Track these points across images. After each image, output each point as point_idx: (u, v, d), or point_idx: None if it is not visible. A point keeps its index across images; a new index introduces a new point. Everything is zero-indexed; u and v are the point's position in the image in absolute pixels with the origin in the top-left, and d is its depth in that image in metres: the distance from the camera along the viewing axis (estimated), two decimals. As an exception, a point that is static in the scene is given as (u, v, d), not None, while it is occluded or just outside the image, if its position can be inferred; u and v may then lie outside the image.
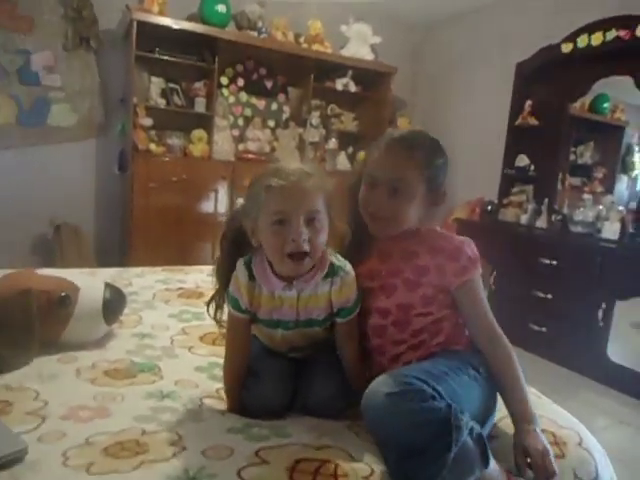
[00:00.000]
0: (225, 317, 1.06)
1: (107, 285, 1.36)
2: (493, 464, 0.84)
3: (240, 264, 0.98)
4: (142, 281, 1.90)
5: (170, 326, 1.48)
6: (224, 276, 1.02)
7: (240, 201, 1.04)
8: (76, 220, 3.29)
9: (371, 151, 1.06)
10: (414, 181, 0.99)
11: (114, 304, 1.33)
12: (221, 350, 1.29)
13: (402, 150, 1.00)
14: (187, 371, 1.19)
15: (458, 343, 1.03)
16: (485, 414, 0.95)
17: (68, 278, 1.32)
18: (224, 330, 1.07)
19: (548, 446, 0.89)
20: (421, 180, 1.00)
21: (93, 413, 0.95)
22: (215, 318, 1.07)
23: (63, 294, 1.23)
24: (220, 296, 1.05)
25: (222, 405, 1.04)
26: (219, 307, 1.06)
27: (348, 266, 1.01)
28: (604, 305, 2.62)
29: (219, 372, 1.18)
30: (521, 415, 0.94)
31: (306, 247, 0.91)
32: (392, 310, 1.02)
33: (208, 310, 1.08)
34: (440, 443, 0.76)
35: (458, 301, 1.03)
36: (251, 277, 0.97)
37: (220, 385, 1.12)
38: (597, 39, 2.86)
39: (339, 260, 1.01)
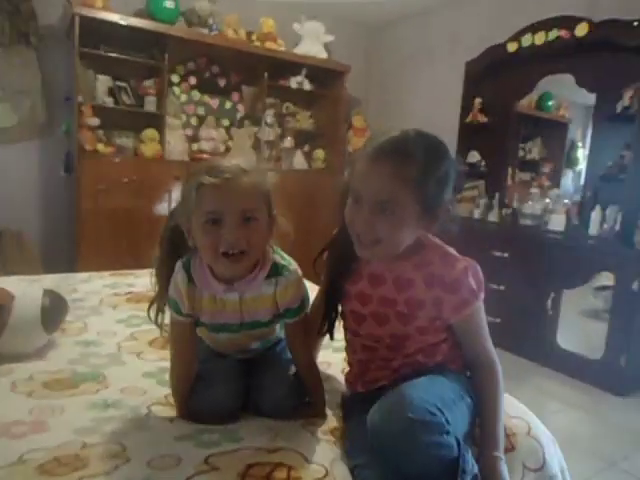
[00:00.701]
0: (167, 321, 1.01)
1: (46, 291, 1.28)
2: None
3: (178, 267, 0.94)
4: (88, 286, 1.82)
5: (117, 332, 1.42)
6: (164, 278, 0.98)
7: (175, 201, 1.00)
8: (20, 226, 3.12)
9: (356, 160, 0.91)
10: (405, 201, 0.84)
11: (54, 311, 1.26)
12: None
13: (390, 163, 0.83)
14: (134, 378, 1.14)
15: (454, 362, 0.98)
16: (472, 430, 0.93)
17: (3, 286, 1.24)
18: (166, 334, 1.03)
19: (506, 477, 0.87)
20: (413, 199, 0.84)
21: (28, 428, 0.89)
22: (156, 322, 1.03)
23: (-4, 303, 1.15)
24: (161, 298, 1.00)
25: (171, 412, 1.00)
26: (160, 310, 1.01)
27: (293, 265, 0.98)
28: (553, 294, 2.72)
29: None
30: (490, 441, 0.90)
31: (242, 246, 0.87)
32: (385, 338, 0.96)
33: (149, 314, 1.03)
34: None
35: (456, 329, 0.96)
36: (190, 280, 0.93)
37: (169, 391, 1.07)
38: (540, 39, 2.96)
39: (284, 259, 0.98)
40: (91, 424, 0.92)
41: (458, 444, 0.78)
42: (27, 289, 1.30)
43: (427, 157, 0.85)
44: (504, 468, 0.87)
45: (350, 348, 1.06)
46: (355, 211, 0.88)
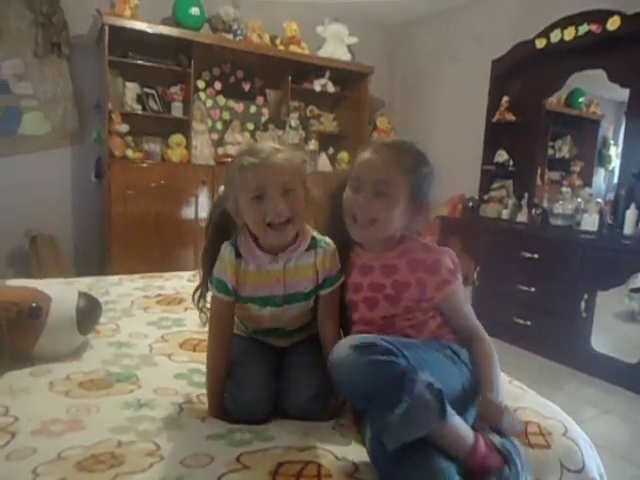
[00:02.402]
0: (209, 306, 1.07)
1: (81, 294, 1.31)
2: (458, 420, 0.83)
3: (225, 245, 1.03)
4: (120, 289, 1.86)
5: (149, 334, 1.44)
6: (209, 264, 1.04)
7: (221, 189, 1.08)
8: (53, 230, 3.21)
9: (358, 154, 1.06)
10: (399, 184, 0.99)
11: (88, 313, 1.29)
12: (202, 356, 1.27)
13: (390, 152, 1.00)
14: (166, 379, 1.16)
15: (443, 337, 1.03)
16: (466, 398, 0.93)
17: (40, 288, 1.27)
18: (205, 318, 1.08)
19: (503, 404, 0.91)
20: (405, 185, 0.99)
21: (66, 426, 0.91)
22: (198, 306, 1.09)
23: (34, 305, 1.19)
24: (205, 284, 1.07)
25: (203, 411, 1.01)
26: (203, 296, 1.09)
27: (328, 239, 1.07)
28: (586, 296, 2.64)
29: (199, 378, 1.16)
30: (486, 385, 0.95)
31: (286, 214, 0.96)
32: (376, 320, 1.03)
33: (193, 299, 1.09)
34: (393, 393, 0.79)
35: (441, 309, 1.04)
36: (237, 255, 1.01)
37: (200, 391, 1.09)
38: (570, 34, 2.89)
39: (319, 235, 1.07)
40: (126, 423, 0.94)
41: (406, 359, 0.82)
42: (62, 292, 1.33)
43: (418, 155, 1.03)
44: (502, 401, 0.92)
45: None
46: (354, 197, 1.02)
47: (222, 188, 1.05)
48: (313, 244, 1.04)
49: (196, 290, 1.09)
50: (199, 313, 1.11)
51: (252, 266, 1.01)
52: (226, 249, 1.01)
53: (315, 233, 1.07)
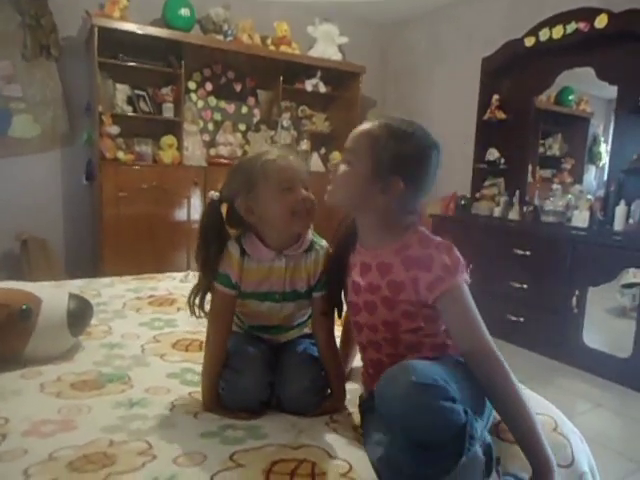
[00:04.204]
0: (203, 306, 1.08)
1: (72, 296, 1.31)
2: (494, 475, 0.82)
3: (231, 242, 1.05)
4: (112, 291, 1.85)
5: (141, 335, 1.43)
6: (204, 263, 1.05)
7: (213, 193, 1.05)
8: (44, 233, 3.19)
9: None
10: (362, 153, 0.93)
11: (79, 315, 1.28)
12: (195, 356, 1.28)
13: (367, 125, 0.96)
14: (158, 378, 1.15)
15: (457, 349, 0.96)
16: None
17: (31, 290, 1.26)
18: (196, 315, 1.08)
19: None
20: (369, 155, 0.92)
21: (57, 427, 0.91)
22: (197, 310, 1.08)
23: (24, 307, 1.18)
24: (202, 287, 1.07)
25: (195, 408, 1.01)
26: (202, 301, 1.08)
27: (324, 242, 1.10)
28: (577, 292, 2.66)
29: (192, 377, 1.16)
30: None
31: (314, 202, 1.02)
32: (379, 327, 0.98)
33: (189, 302, 1.08)
34: (454, 447, 0.74)
35: (441, 314, 0.92)
36: (242, 252, 1.03)
37: (193, 389, 1.09)
38: (558, 32, 2.91)
39: (315, 237, 1.10)
40: (117, 422, 0.93)
41: (465, 412, 0.75)
42: (53, 293, 1.32)
43: (397, 131, 0.94)
44: None
45: (360, 346, 1.08)
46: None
47: (212, 192, 1.05)
48: (311, 245, 1.07)
49: (195, 295, 1.07)
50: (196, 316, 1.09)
51: (255, 263, 1.04)
52: (232, 246, 1.04)
53: (313, 234, 1.09)
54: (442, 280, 0.89)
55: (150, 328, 1.50)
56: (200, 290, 1.08)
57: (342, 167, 0.97)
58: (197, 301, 1.07)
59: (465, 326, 0.90)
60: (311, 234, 1.09)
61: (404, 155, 0.92)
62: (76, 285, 1.87)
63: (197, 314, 1.07)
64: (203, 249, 1.04)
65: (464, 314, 0.90)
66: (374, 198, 0.94)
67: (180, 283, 1.98)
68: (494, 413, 0.91)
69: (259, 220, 1.03)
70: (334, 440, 0.91)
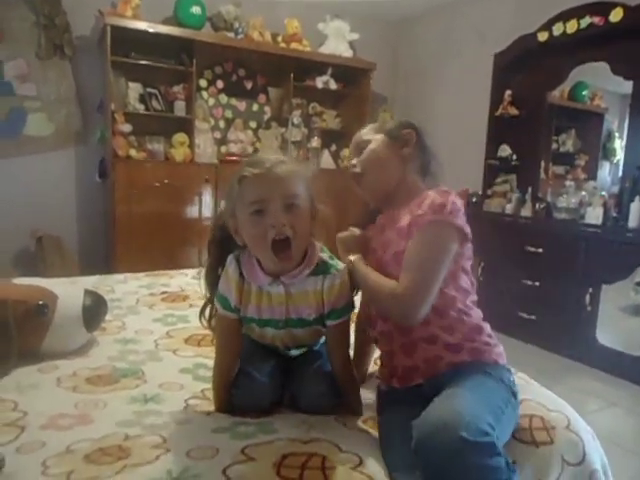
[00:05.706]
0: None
1: (87, 292, 1.33)
2: None
3: (230, 259, 0.96)
4: (125, 287, 1.87)
5: (154, 330, 1.45)
6: (214, 282, 1.00)
7: (223, 203, 1.03)
8: (58, 231, 3.24)
9: None
10: (372, 135, 1.08)
11: (94, 310, 1.30)
12: (207, 351, 1.29)
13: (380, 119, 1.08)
14: (172, 374, 1.17)
15: (485, 351, 0.94)
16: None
17: (47, 287, 1.29)
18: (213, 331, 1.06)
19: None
20: (381, 131, 1.09)
21: (74, 421, 0.93)
22: (208, 324, 1.06)
23: (41, 303, 1.20)
24: (211, 303, 1.03)
25: (208, 405, 1.02)
26: (212, 315, 1.05)
27: (341, 266, 0.98)
28: (591, 290, 2.63)
29: (205, 373, 1.17)
30: None
31: (288, 232, 0.87)
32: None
33: (200, 320, 1.06)
34: None
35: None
36: (241, 273, 0.95)
37: (206, 386, 1.10)
38: (572, 27, 2.87)
39: (333, 259, 0.99)
40: (132, 417, 0.95)
41: (507, 464, 0.75)
42: (69, 290, 1.34)
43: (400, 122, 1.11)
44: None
45: (375, 341, 1.07)
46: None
47: (223, 203, 1.01)
48: (323, 269, 0.95)
49: (203, 309, 1.06)
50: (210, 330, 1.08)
51: (254, 286, 0.95)
52: (231, 264, 0.95)
53: (327, 256, 0.98)
54: (424, 216, 0.92)
55: (163, 324, 1.52)
56: (207, 306, 1.05)
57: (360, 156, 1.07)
58: (206, 318, 1.05)
59: (411, 260, 0.91)
60: (321, 252, 0.97)
61: (405, 121, 1.10)
62: (90, 281, 1.89)
63: (208, 327, 1.07)
64: (213, 266, 1.01)
65: (420, 249, 0.91)
66: (397, 167, 1.05)
67: (192, 280, 2.00)
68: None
69: (247, 242, 0.93)
70: (344, 434, 0.92)
